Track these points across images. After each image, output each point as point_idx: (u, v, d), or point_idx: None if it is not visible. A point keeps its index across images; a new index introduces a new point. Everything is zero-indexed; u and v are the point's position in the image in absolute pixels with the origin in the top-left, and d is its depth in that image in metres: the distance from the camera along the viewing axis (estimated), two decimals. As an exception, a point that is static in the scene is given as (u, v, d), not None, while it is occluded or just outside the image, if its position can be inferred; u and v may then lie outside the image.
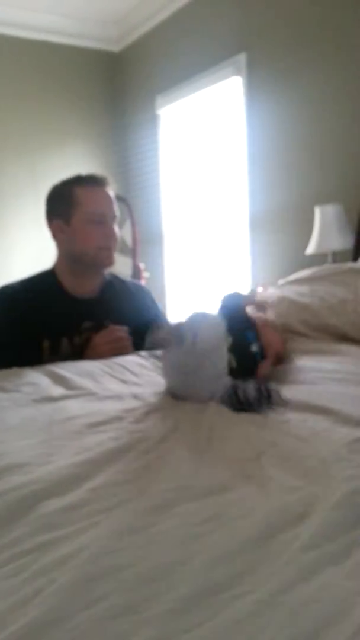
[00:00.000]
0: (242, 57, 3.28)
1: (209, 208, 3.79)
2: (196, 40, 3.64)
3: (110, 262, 1.64)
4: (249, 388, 1.03)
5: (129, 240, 3.94)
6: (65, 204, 1.58)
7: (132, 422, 1.02)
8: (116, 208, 1.64)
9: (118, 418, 1.05)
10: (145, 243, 4.06)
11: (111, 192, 1.63)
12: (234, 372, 1.12)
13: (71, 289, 1.64)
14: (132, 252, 3.83)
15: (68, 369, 1.40)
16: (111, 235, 1.60)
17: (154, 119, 4.10)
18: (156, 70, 4.05)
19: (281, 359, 1.39)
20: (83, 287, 1.65)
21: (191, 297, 4.04)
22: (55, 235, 1.62)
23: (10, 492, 0.73)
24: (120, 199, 4.08)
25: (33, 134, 4.08)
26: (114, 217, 1.62)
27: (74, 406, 1.12)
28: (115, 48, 4.40)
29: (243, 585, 0.52)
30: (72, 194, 1.57)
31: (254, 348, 1.18)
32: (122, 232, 4.00)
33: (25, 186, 3.90)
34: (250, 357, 1.16)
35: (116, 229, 1.63)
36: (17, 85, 4.02)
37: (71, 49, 4.21)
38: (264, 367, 1.21)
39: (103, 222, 1.59)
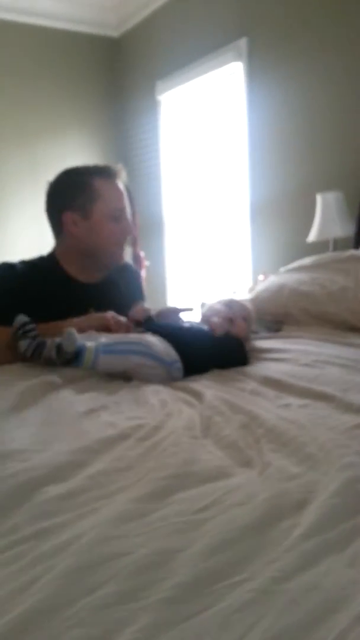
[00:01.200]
0: (243, 42, 3.24)
1: (210, 195, 3.77)
2: (196, 25, 3.59)
3: (123, 258, 1.60)
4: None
5: (129, 228, 3.91)
6: (83, 196, 1.46)
7: (129, 409, 1.02)
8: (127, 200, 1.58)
9: (115, 404, 1.04)
10: (145, 231, 4.04)
11: (121, 183, 1.55)
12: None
13: (74, 275, 1.57)
14: (133, 240, 3.81)
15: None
16: (129, 230, 1.54)
17: (154, 105, 4.06)
18: (156, 56, 4.01)
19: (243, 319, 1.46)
20: (87, 275, 1.58)
21: (192, 285, 4.03)
22: (66, 228, 1.51)
23: (9, 479, 0.73)
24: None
25: (32, 121, 4.04)
26: (126, 210, 1.56)
27: (71, 394, 1.11)
28: (115, 33, 4.35)
29: (242, 573, 0.52)
30: (91, 185, 1.46)
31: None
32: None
33: (25, 174, 3.87)
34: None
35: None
36: (15, 71, 3.97)
37: (70, 35, 4.16)
38: (237, 327, 1.37)
39: (122, 217, 1.51)
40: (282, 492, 0.67)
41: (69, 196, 1.48)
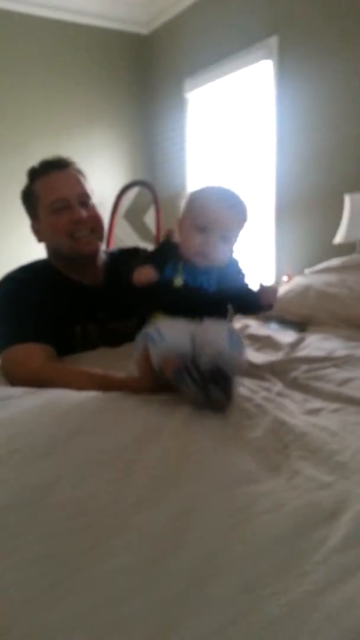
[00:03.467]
0: (273, 41, 3.20)
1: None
2: (227, 23, 3.56)
3: (89, 248, 1.47)
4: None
5: (152, 226, 3.90)
6: (30, 202, 1.49)
7: (150, 412, 0.98)
8: (84, 187, 1.46)
9: (135, 407, 1.01)
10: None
11: (73, 171, 1.47)
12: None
13: (76, 278, 1.51)
14: (156, 239, 3.80)
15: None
16: (78, 219, 1.43)
17: (182, 102, 4.04)
18: (185, 53, 3.98)
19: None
20: (84, 277, 1.51)
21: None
22: (36, 236, 1.52)
23: (33, 475, 0.71)
24: (144, 184, 4.04)
25: (60, 115, 4.05)
26: (81, 197, 1.45)
27: (88, 395, 1.08)
28: (144, 30, 4.33)
29: (274, 585, 0.50)
30: (33, 189, 1.47)
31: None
32: (146, 218, 3.97)
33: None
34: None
35: (89, 210, 1.46)
36: (45, 66, 3.99)
37: (100, 31, 4.15)
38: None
39: (67, 207, 1.43)
40: (312, 502, 0.65)
41: (25, 208, 1.51)
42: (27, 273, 1.47)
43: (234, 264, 1.17)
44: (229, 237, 1.13)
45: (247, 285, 1.16)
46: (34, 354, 1.28)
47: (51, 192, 1.43)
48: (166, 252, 1.17)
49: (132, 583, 0.50)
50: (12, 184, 3.40)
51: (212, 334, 1.04)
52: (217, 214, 1.11)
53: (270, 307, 1.12)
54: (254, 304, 1.12)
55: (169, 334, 1.02)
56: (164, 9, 4.05)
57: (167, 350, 0.99)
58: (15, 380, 1.26)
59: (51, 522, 0.61)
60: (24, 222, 1.54)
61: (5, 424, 0.87)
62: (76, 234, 1.44)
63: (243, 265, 1.20)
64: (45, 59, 3.98)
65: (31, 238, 1.54)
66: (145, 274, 1.07)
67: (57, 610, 0.47)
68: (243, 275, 1.18)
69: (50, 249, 1.52)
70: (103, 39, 4.19)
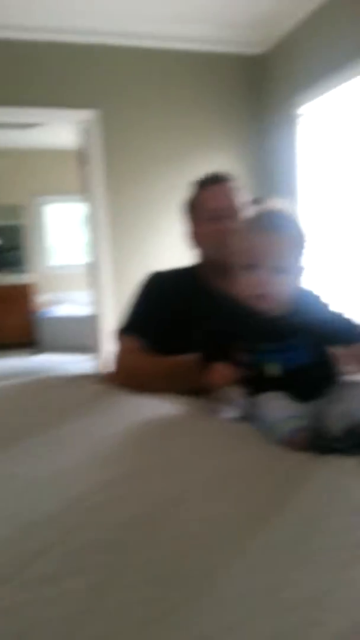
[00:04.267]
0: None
1: (351, 210, 3.61)
2: (338, 34, 3.48)
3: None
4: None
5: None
6: (189, 208, 1.66)
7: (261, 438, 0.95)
8: (238, 202, 1.56)
9: (247, 433, 0.97)
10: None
11: (232, 186, 1.60)
12: None
13: (216, 285, 1.57)
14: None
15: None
16: (224, 231, 1.48)
17: (292, 119, 4.00)
18: (297, 69, 3.95)
19: None
20: (227, 285, 1.51)
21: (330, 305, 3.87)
22: (190, 242, 1.68)
23: (161, 490, 0.72)
24: (255, 202, 4.02)
25: (179, 141, 4.26)
26: (232, 211, 1.54)
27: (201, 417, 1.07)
28: (257, 50, 4.36)
29: None
30: (195, 198, 1.65)
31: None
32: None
33: (176, 191, 3.97)
34: None
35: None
36: (165, 94, 4.21)
37: (213, 56, 4.27)
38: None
39: (218, 217, 1.55)
40: None
41: (184, 212, 1.69)
42: (174, 273, 1.66)
43: (312, 300, 1.03)
44: (284, 266, 0.98)
45: (339, 316, 1.02)
46: (133, 349, 1.49)
47: (208, 201, 1.61)
48: (239, 322, 1.02)
49: (244, 612, 0.49)
50: (142, 205, 3.71)
51: (349, 395, 0.94)
52: (260, 243, 0.98)
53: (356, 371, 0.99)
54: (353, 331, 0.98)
55: (271, 414, 0.91)
56: (276, 28, 4.05)
57: (280, 432, 0.88)
58: (117, 366, 1.51)
59: (172, 540, 0.61)
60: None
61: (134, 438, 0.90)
62: (221, 244, 1.49)
63: (316, 294, 1.06)
64: (164, 88, 4.22)
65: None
66: (224, 378, 0.96)
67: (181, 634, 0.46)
68: (326, 306, 1.04)
69: (201, 255, 1.67)
70: (217, 64, 4.33)
